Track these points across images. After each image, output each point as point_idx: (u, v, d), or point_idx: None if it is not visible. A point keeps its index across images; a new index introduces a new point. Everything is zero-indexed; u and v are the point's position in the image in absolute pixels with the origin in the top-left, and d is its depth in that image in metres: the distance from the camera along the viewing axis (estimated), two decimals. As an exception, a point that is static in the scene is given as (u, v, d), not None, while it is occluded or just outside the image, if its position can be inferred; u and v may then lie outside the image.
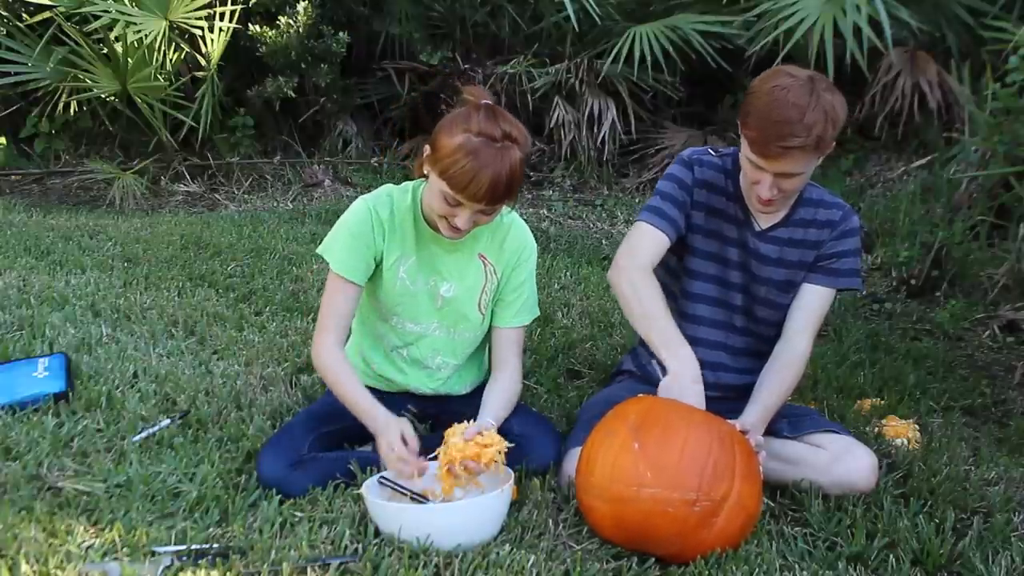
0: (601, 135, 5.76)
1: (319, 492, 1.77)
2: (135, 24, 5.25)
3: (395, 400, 2.08)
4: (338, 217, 1.98)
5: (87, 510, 1.65)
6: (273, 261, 3.69)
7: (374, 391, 2.05)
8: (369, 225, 1.89)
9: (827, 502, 1.87)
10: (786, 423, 2.00)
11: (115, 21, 5.19)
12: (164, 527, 1.61)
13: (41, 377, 2.15)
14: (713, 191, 2.02)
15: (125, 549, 1.52)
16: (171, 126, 5.61)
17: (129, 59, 5.10)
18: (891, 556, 1.71)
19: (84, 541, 1.53)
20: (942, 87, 5.09)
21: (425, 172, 1.82)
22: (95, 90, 5.32)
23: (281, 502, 1.73)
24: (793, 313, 2.02)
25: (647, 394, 1.83)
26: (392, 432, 1.78)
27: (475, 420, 1.84)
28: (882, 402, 2.56)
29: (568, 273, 3.83)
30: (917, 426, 2.35)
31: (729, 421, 1.74)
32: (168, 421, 2.04)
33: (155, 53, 5.30)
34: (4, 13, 5.61)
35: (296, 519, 1.68)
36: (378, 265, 1.94)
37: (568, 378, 2.62)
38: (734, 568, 1.60)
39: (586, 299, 3.44)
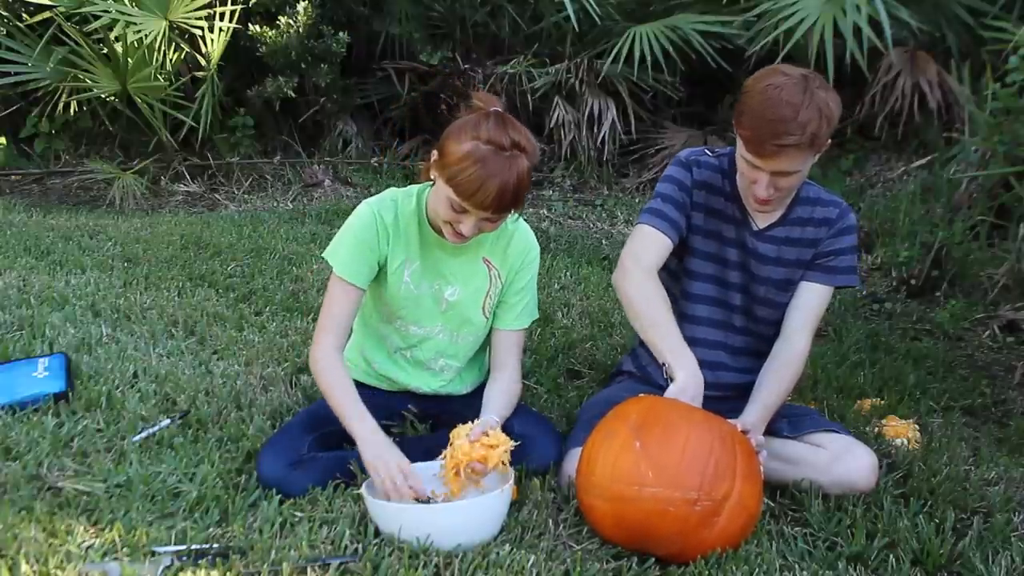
0: (601, 135, 5.76)
1: (319, 492, 1.77)
2: (135, 24, 5.25)
3: (395, 399, 2.09)
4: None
5: (87, 510, 1.65)
6: (273, 261, 3.69)
7: (375, 390, 2.05)
8: (374, 230, 1.89)
9: (827, 502, 1.87)
10: (786, 423, 2.00)
11: (115, 21, 5.19)
12: (164, 527, 1.61)
13: (41, 377, 2.15)
14: (711, 192, 2.02)
15: (125, 549, 1.52)
16: (171, 126, 5.61)
17: (129, 59, 5.10)
18: (891, 556, 1.71)
19: (84, 541, 1.53)
20: (942, 87, 5.09)
21: (432, 177, 1.82)
22: (95, 90, 5.31)
23: (281, 502, 1.73)
24: (791, 312, 2.02)
25: (647, 394, 1.83)
26: (391, 467, 1.71)
27: (477, 420, 1.84)
28: (882, 402, 2.56)
29: (568, 273, 3.83)
30: (917, 426, 2.35)
31: (729, 421, 1.74)
32: (168, 421, 2.04)
33: (155, 53, 5.30)
34: (4, 13, 5.61)
35: (296, 519, 1.68)
36: (382, 269, 1.94)
37: (568, 378, 2.62)
38: (734, 568, 1.60)
39: (586, 299, 3.44)
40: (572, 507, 1.77)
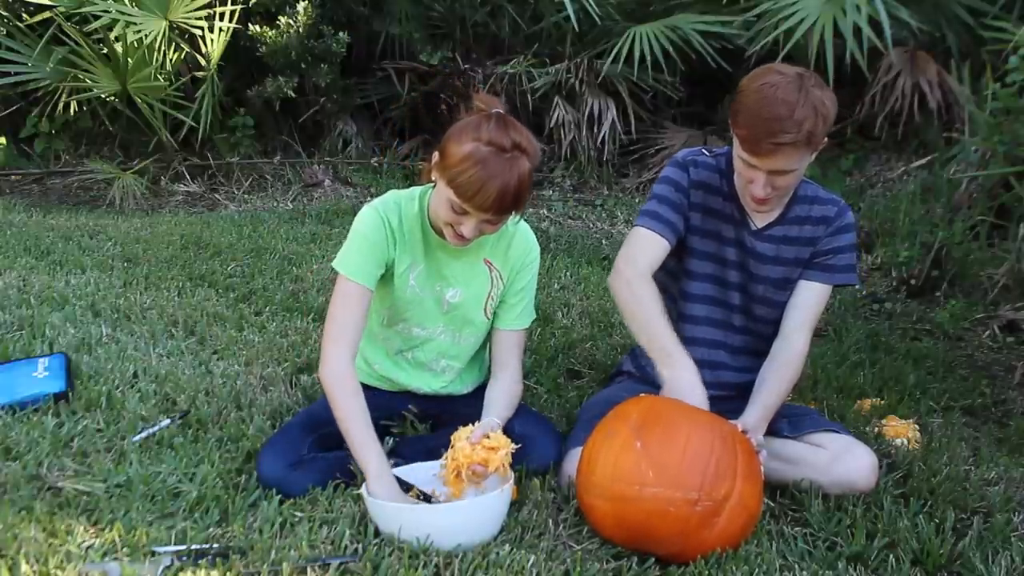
0: (601, 135, 5.76)
1: (319, 492, 1.77)
2: (135, 24, 5.25)
3: (396, 400, 2.08)
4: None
5: (87, 510, 1.65)
6: (273, 261, 3.69)
7: (376, 390, 2.05)
8: (383, 233, 1.87)
9: (827, 502, 1.87)
10: (786, 423, 2.00)
11: (115, 21, 5.19)
12: (164, 527, 1.61)
13: (41, 377, 2.15)
14: (709, 191, 2.02)
15: (125, 549, 1.52)
16: (171, 126, 5.61)
17: (129, 59, 5.10)
18: (891, 556, 1.71)
19: (84, 541, 1.53)
20: (942, 87, 5.09)
21: (433, 179, 1.81)
22: (95, 90, 5.31)
23: (281, 502, 1.73)
24: (790, 311, 2.02)
25: (647, 394, 1.83)
26: (390, 490, 1.71)
27: (478, 421, 1.84)
28: (882, 402, 2.56)
29: (568, 273, 3.83)
30: (917, 426, 2.35)
31: (730, 421, 1.74)
32: (168, 421, 2.04)
33: (155, 53, 5.30)
34: (4, 13, 5.61)
35: (296, 519, 1.68)
36: (388, 272, 1.92)
37: (568, 378, 2.62)
38: (734, 568, 1.60)
39: (586, 299, 3.44)
40: (572, 507, 1.77)
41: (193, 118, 5.46)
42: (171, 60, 5.48)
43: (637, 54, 5.44)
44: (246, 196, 5.62)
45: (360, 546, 1.60)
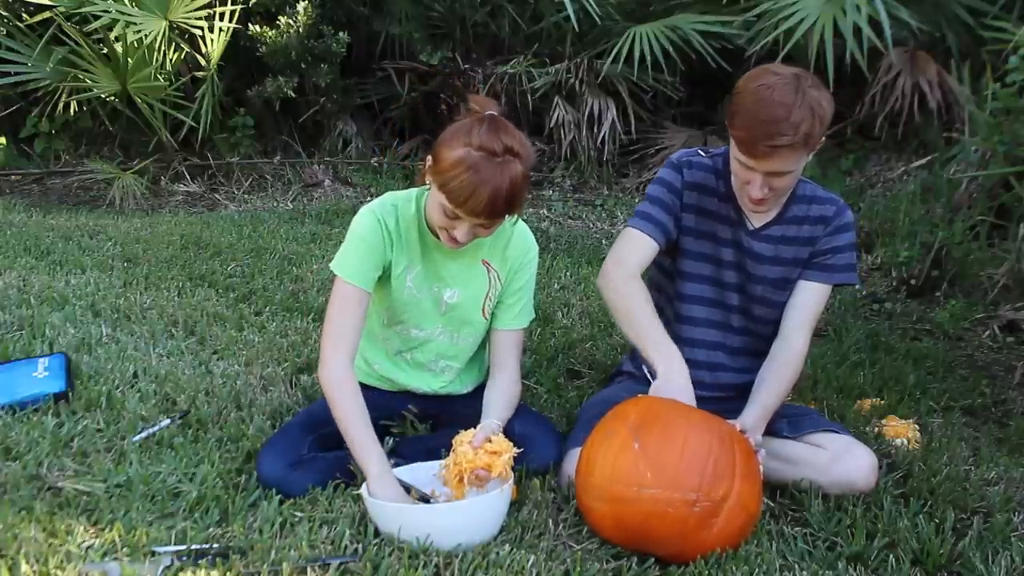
0: (601, 135, 5.76)
1: (319, 492, 1.77)
2: (135, 24, 5.25)
3: (395, 400, 2.09)
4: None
5: (87, 510, 1.65)
6: (273, 261, 3.70)
7: (375, 390, 2.05)
8: (380, 235, 1.87)
9: (827, 502, 1.87)
10: (786, 423, 1.99)
11: (115, 21, 5.19)
12: (164, 527, 1.61)
13: (41, 377, 2.15)
14: (704, 192, 2.02)
15: (125, 549, 1.52)
16: (171, 126, 5.61)
17: (129, 59, 5.10)
18: (891, 556, 1.71)
19: (84, 541, 1.53)
20: (942, 87, 5.09)
21: (428, 181, 1.82)
22: (95, 90, 5.31)
23: (281, 502, 1.73)
24: (789, 311, 2.02)
25: (646, 394, 1.83)
26: (392, 491, 1.71)
27: (479, 423, 1.84)
28: (882, 402, 2.56)
29: (568, 273, 3.83)
30: (917, 426, 2.35)
31: (729, 421, 1.74)
32: (168, 421, 2.04)
33: (155, 53, 5.30)
34: (4, 13, 5.61)
35: (296, 519, 1.68)
36: (385, 274, 1.93)
37: (568, 378, 2.62)
38: (734, 568, 1.60)
39: (586, 299, 3.44)
40: (572, 507, 1.77)
41: (193, 118, 5.46)
42: (171, 60, 5.48)
43: (637, 54, 5.44)
44: (246, 196, 5.62)
45: (360, 546, 1.60)
